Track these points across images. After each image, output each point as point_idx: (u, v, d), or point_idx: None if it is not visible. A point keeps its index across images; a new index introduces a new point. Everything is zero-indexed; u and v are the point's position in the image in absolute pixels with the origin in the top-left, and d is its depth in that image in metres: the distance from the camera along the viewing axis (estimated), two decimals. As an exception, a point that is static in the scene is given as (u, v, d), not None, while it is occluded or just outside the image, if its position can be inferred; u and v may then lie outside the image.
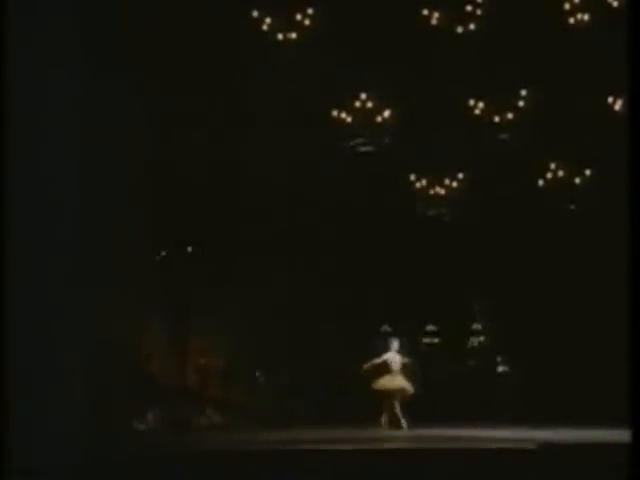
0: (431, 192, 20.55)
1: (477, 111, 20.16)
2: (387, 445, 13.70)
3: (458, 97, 20.02)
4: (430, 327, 21.52)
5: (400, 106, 19.78)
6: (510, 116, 20.03)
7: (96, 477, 10.16)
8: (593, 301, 19.54)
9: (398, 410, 17.38)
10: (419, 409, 18.77)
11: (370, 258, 20.63)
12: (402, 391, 17.48)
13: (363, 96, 19.80)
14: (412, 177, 20.63)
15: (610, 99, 19.81)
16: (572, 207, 20.30)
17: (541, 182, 20.44)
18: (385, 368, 17.68)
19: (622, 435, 14.50)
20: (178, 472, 10.69)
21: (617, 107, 19.77)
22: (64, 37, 11.78)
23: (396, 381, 17.55)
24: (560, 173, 20.35)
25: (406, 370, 17.64)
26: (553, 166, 20.40)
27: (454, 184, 20.53)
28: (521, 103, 20.03)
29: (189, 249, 20.22)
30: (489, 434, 15.87)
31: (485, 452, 12.16)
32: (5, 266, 9.89)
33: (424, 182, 20.57)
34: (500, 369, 19.41)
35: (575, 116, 19.59)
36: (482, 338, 21.60)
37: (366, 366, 17.52)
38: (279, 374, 20.52)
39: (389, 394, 17.52)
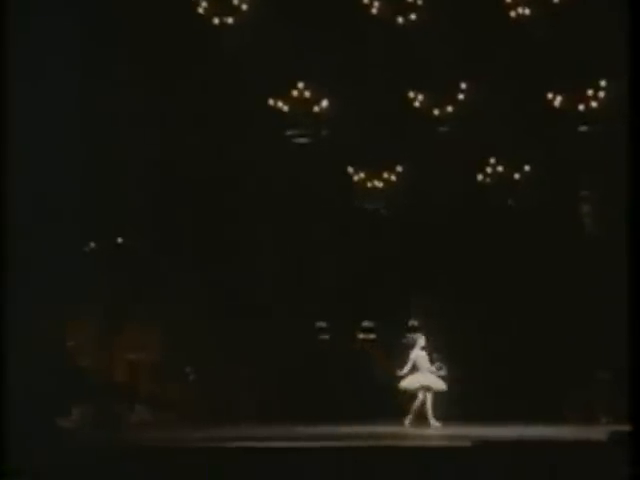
0: (369, 185, 20.75)
1: (417, 103, 20.48)
2: (304, 444, 13.51)
3: (397, 89, 20.31)
4: (366, 323, 21.71)
5: (339, 96, 19.99)
6: (450, 109, 20.37)
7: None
8: (530, 295, 19.95)
9: (428, 408, 17.25)
10: (354, 407, 19.37)
11: (306, 252, 20.73)
12: (427, 389, 17.33)
13: (301, 85, 19.98)
14: (350, 170, 20.79)
15: (550, 95, 20.27)
16: (511, 202, 20.72)
17: (480, 177, 20.81)
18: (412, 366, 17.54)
19: (558, 432, 15.75)
20: (101, 472, 10.70)
21: (557, 103, 20.28)
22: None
23: (420, 380, 17.39)
24: (499, 168, 20.75)
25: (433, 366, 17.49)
26: (493, 161, 20.81)
27: (392, 177, 20.74)
28: (461, 96, 20.41)
29: (119, 240, 20.21)
30: (423, 432, 16.31)
31: (417, 450, 12.51)
32: None
33: (362, 175, 20.76)
34: (437, 366, 19.31)
35: (515, 111, 19.99)
36: (419, 335, 21.43)
37: (402, 374, 17.38)
38: (211, 370, 20.59)
39: (414, 394, 17.42)
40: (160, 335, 20.62)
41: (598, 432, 13.40)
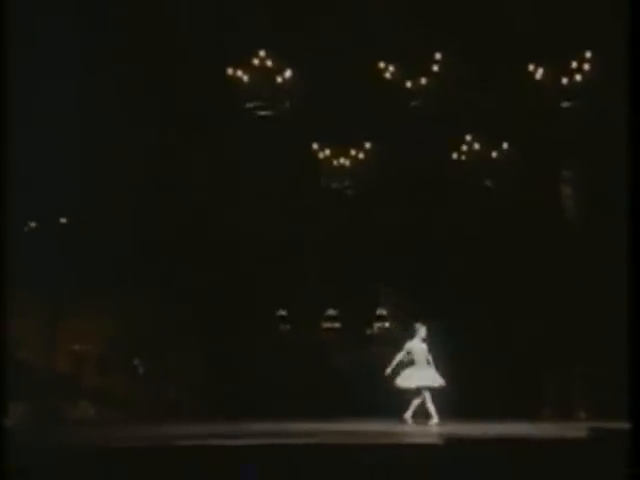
0: (335, 163, 20.65)
1: (387, 75, 20.31)
2: (266, 440, 13.34)
3: (367, 59, 20.09)
4: (331, 311, 21.65)
5: (303, 66, 19.78)
6: (423, 81, 20.22)
7: None
8: (506, 281, 19.90)
9: (429, 404, 16.71)
10: (316, 402, 19.16)
11: (266, 234, 20.54)
12: (424, 386, 16.71)
13: (262, 53, 19.75)
14: (315, 146, 20.62)
15: (531, 67, 20.08)
16: (488, 183, 20.62)
17: (455, 155, 20.67)
18: (409, 359, 16.89)
19: (530, 429, 15.56)
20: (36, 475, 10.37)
21: (538, 76, 20.10)
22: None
23: (417, 376, 16.72)
24: (476, 146, 20.62)
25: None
26: (469, 138, 20.66)
27: (360, 155, 20.63)
28: (435, 68, 20.20)
29: (62, 220, 19.90)
30: (395, 429, 16.03)
31: (387, 448, 12.26)
32: None
33: (328, 152, 20.61)
34: (403, 359, 19.07)
35: (494, 84, 19.85)
36: (387, 324, 21.83)
37: (388, 371, 16.89)
38: (160, 363, 20.42)
39: (411, 391, 16.84)
40: (107, 325, 20.28)
41: (578, 429, 13.48)
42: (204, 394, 19.96)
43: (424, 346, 16.88)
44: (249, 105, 19.94)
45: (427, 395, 16.82)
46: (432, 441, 13.47)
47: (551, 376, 19.96)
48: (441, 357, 16.89)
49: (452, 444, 11.90)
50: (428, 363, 16.76)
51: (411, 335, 16.93)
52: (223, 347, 20.15)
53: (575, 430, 13.82)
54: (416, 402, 16.81)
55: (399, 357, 16.81)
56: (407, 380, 16.83)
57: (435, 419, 16.70)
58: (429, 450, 11.90)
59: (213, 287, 20.22)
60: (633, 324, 9.49)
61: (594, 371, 19.16)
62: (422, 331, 16.91)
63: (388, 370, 16.83)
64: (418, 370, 16.84)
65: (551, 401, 19.74)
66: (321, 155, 20.66)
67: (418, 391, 16.84)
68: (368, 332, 21.75)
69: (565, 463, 10.24)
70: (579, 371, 19.72)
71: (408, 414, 16.83)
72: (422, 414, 16.87)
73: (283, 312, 21.37)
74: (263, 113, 19.97)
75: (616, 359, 18.16)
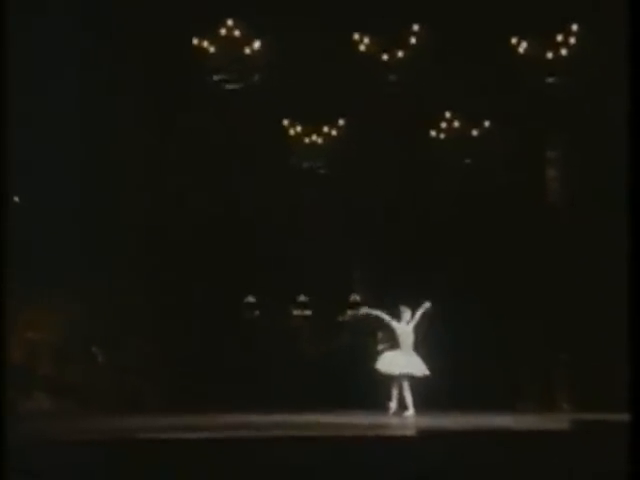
0: (307, 141, 20.54)
1: (362, 47, 20.18)
2: (232, 433, 13.48)
3: (341, 30, 19.95)
4: (301, 297, 21.65)
5: (273, 37, 19.66)
6: (400, 54, 20.12)
7: None
8: (485, 265, 19.89)
9: (407, 394, 16.69)
10: (285, 393, 18.93)
11: (232, 215, 20.44)
12: (407, 374, 16.71)
13: (230, 23, 19.61)
14: (285, 122, 20.52)
15: (514, 40, 20.00)
16: (468, 162, 20.57)
17: (433, 132, 20.61)
18: (394, 343, 16.97)
19: (506, 421, 15.78)
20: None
21: (522, 49, 20.01)
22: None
23: (401, 361, 16.69)
24: (456, 123, 20.57)
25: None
26: (448, 115, 20.60)
27: (333, 132, 20.56)
28: (413, 40, 20.12)
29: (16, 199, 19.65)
30: (366, 421, 16.07)
31: (360, 440, 12.50)
32: None
33: (299, 129, 20.52)
34: (381, 347, 18.81)
35: (474, 57, 19.69)
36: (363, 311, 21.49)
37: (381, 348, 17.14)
38: (121, 352, 20.23)
39: (393, 377, 16.83)
40: (64, 311, 20.09)
41: (560, 420, 13.67)
42: (168, 384, 19.75)
43: (409, 330, 16.80)
44: (215, 78, 19.77)
45: (406, 384, 16.70)
46: (404, 433, 13.76)
47: (535, 366, 20.05)
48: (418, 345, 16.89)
49: (425, 437, 12.28)
50: (414, 349, 16.69)
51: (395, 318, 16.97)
52: (188, 335, 20.01)
53: (557, 422, 14.03)
54: (396, 391, 16.76)
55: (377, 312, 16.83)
56: (390, 365, 16.77)
57: (410, 410, 16.61)
58: (400, 443, 12.16)
59: (177, 272, 20.05)
60: (633, 327, 8.99)
61: (578, 361, 19.27)
62: (407, 314, 16.83)
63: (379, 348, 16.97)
64: (403, 356, 16.76)
65: (534, 392, 19.82)
66: (292, 132, 20.55)
67: (397, 378, 16.75)
68: (341, 319, 21.81)
69: (545, 456, 10.37)
70: (563, 361, 19.78)
71: (393, 404, 16.77)
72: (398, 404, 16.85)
73: (251, 298, 21.31)
74: (230, 86, 19.79)
75: (601, 348, 18.58)
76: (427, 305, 17.05)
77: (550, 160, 20.78)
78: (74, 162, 19.28)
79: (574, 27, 19.75)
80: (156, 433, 12.95)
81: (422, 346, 16.99)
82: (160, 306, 20.08)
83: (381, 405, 17.42)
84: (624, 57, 9.95)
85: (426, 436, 12.49)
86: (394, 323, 16.97)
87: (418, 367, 16.71)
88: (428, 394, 17.04)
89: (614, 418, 13.51)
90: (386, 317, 17.00)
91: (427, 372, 16.67)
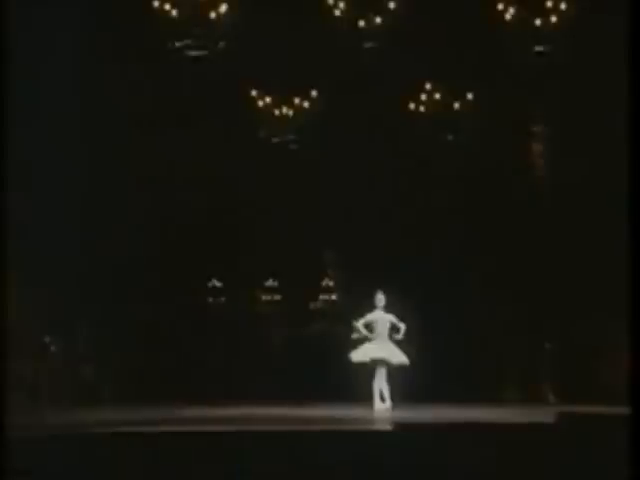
0: (277, 113, 20.57)
1: (337, 12, 20.11)
2: (195, 427, 13.41)
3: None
4: (270, 282, 21.70)
5: (241, 0, 19.49)
6: (378, 21, 20.04)
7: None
8: (468, 247, 20.06)
9: (384, 384, 16.54)
10: (252, 385, 19.29)
11: (196, 196, 20.44)
12: (382, 362, 16.53)
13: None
14: (254, 93, 20.55)
15: (500, 5, 19.99)
16: (450, 137, 20.68)
17: (412, 105, 20.66)
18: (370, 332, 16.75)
19: (489, 413, 15.91)
20: None
21: (508, 16, 19.98)
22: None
23: (375, 348, 16.53)
24: (436, 95, 20.63)
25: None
26: (428, 86, 20.67)
27: (305, 104, 20.55)
28: (392, 5, 20.07)
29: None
30: (342, 413, 16.13)
31: (334, 434, 12.32)
32: None
33: (268, 100, 20.53)
34: (355, 336, 18.11)
35: (458, 24, 19.74)
36: (334, 296, 21.97)
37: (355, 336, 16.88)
38: (76, 341, 20.26)
39: (370, 367, 16.64)
40: (11, 293, 19.92)
41: (546, 413, 13.71)
42: (126, 376, 19.74)
43: (387, 317, 16.70)
44: (178, 44, 19.64)
45: (383, 373, 16.68)
46: (379, 427, 13.58)
47: (520, 356, 20.23)
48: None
49: (400, 431, 12.09)
50: (390, 338, 16.59)
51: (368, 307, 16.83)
52: (148, 323, 20.03)
53: (542, 415, 14.04)
54: (376, 386, 16.68)
55: (361, 329, 16.74)
56: (363, 354, 16.69)
57: (387, 403, 16.61)
58: (373, 437, 12.01)
59: (135, 255, 19.97)
60: (633, 323, 9.49)
61: (564, 350, 19.46)
62: (382, 299, 16.74)
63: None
64: (378, 343, 16.66)
65: (519, 383, 20.03)
66: (261, 103, 20.58)
67: (373, 367, 16.67)
68: (312, 306, 21.85)
69: (527, 451, 10.29)
70: (548, 350, 19.97)
71: (376, 402, 16.67)
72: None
73: (217, 283, 21.39)
74: (194, 53, 19.70)
75: (588, 338, 18.81)
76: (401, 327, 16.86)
77: (537, 134, 20.95)
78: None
79: (564, -8, 19.77)
80: (111, 427, 12.89)
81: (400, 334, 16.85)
82: (117, 292, 19.98)
83: (356, 397, 17.36)
84: (622, 46, 10.36)
85: (402, 430, 12.30)
86: (368, 316, 16.86)
87: (395, 355, 16.63)
88: (407, 385, 16.93)
89: (602, 411, 13.82)
90: (363, 330, 16.85)
91: (405, 361, 16.62)
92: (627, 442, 8.73)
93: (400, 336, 16.42)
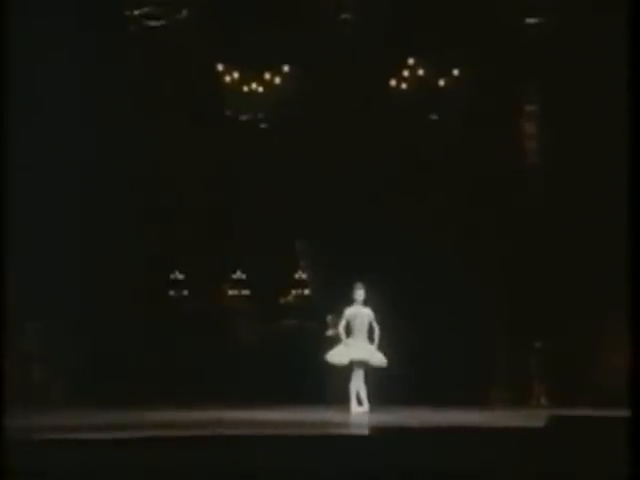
0: (245, 89, 20.56)
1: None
2: (159, 432, 13.45)
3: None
4: (238, 275, 21.70)
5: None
6: (355, -11, 20.13)
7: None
8: (453, 240, 20.09)
9: (361, 386, 16.61)
10: (217, 386, 19.20)
11: (156, 179, 20.33)
12: (361, 364, 16.61)
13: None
14: (219, 67, 20.51)
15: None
16: (433, 115, 20.70)
17: (394, 82, 20.69)
18: (347, 329, 16.78)
19: (475, 417, 16.11)
20: None
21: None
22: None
23: (352, 348, 16.58)
24: (420, 71, 20.65)
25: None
26: (411, 61, 20.67)
27: (277, 80, 20.56)
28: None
29: None
30: (316, 417, 16.20)
31: (306, 439, 12.54)
32: None
33: (236, 75, 20.49)
34: (330, 332, 18.85)
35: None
36: (307, 291, 21.96)
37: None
38: (26, 337, 19.95)
39: (347, 367, 16.71)
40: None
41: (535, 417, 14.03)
42: (77, 377, 19.59)
43: (366, 312, 16.71)
44: (135, 12, 19.73)
45: (360, 375, 16.69)
46: (354, 432, 13.77)
47: (509, 356, 20.30)
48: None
49: (378, 436, 12.58)
50: (370, 337, 16.64)
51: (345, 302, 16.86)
52: (102, 319, 19.87)
53: (532, 418, 14.26)
54: (353, 388, 16.73)
55: (340, 329, 16.76)
56: (339, 354, 16.74)
57: (365, 406, 16.64)
58: (348, 443, 12.10)
59: (89, 245, 19.80)
60: (633, 324, 9.84)
61: (555, 350, 19.52)
62: (360, 294, 16.75)
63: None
64: (356, 342, 16.69)
65: (508, 385, 20.11)
66: (227, 79, 20.53)
67: (349, 369, 16.69)
68: (283, 301, 21.94)
69: (515, 458, 10.41)
70: (539, 350, 20.06)
71: (353, 405, 16.71)
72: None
73: (179, 275, 21.42)
74: (153, 23, 19.80)
75: (580, 336, 18.90)
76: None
77: (528, 115, 20.93)
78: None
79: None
80: (61, 433, 12.99)
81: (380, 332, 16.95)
82: (71, 285, 19.58)
83: (331, 400, 17.57)
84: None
85: (380, 435, 12.71)
86: (346, 312, 16.83)
87: (374, 355, 16.67)
88: (387, 387, 17.10)
89: (595, 414, 13.97)
90: (342, 333, 16.84)
91: (384, 361, 16.69)
92: (627, 442, 8.89)
93: (375, 340, 16.53)
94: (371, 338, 16.65)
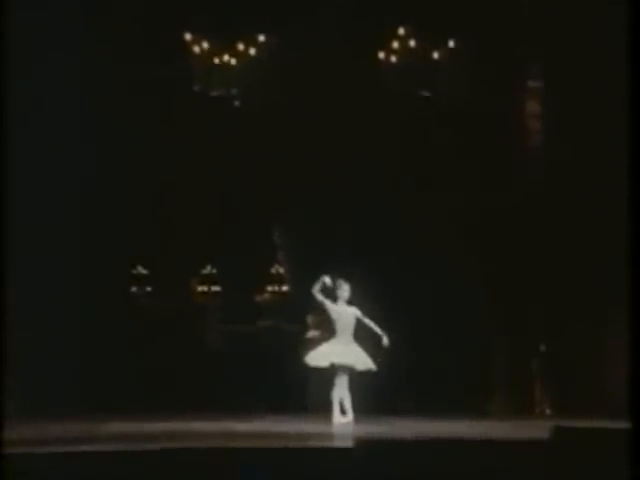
0: (217, 61, 20.32)
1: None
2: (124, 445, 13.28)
3: None
4: (207, 269, 21.78)
5: None
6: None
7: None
8: (442, 224, 20.02)
9: (345, 395, 16.44)
10: (185, 393, 19.28)
11: (118, 161, 20.02)
12: (345, 369, 16.43)
13: None
14: (187, 37, 20.26)
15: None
16: (425, 91, 20.59)
17: (382, 54, 20.50)
18: (328, 329, 16.75)
19: (472, 428, 16.32)
20: None
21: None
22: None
23: (336, 351, 16.43)
24: (411, 43, 20.48)
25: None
26: (402, 32, 20.50)
27: (251, 50, 20.34)
28: None
29: None
30: (295, 428, 16.09)
31: (283, 452, 12.45)
32: None
33: (205, 45, 20.27)
34: (310, 334, 18.90)
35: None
36: (285, 287, 21.96)
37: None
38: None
39: (329, 372, 16.56)
40: None
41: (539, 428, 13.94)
42: (34, 386, 19.06)
43: (352, 310, 16.51)
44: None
45: (345, 381, 16.46)
46: (336, 445, 13.66)
47: (510, 361, 20.30)
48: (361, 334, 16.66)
49: (362, 449, 12.15)
50: (355, 337, 16.47)
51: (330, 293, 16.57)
52: (57, 319, 19.37)
53: (535, 429, 14.32)
54: (336, 395, 16.50)
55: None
56: (320, 356, 16.54)
57: (349, 416, 16.46)
58: (329, 457, 12.08)
59: (42, 240, 19.35)
60: (633, 327, 10.16)
61: (561, 355, 19.57)
62: (346, 290, 16.54)
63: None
64: (340, 344, 16.51)
65: (509, 393, 20.12)
66: (197, 50, 20.26)
67: (333, 374, 16.48)
68: (258, 298, 21.91)
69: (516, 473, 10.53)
70: (543, 354, 20.08)
71: (336, 415, 16.50)
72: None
73: (142, 270, 21.37)
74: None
75: (587, 341, 18.75)
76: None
77: (532, 92, 20.84)
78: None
79: None
80: (17, 447, 12.57)
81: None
82: (22, 282, 18.76)
83: (312, 408, 17.75)
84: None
85: (366, 447, 12.41)
86: (328, 304, 16.60)
87: (360, 359, 16.47)
88: (376, 395, 17.25)
89: (603, 425, 14.02)
90: (327, 304, 16.61)
91: (372, 366, 16.46)
92: (627, 441, 9.24)
93: (377, 331, 16.39)
94: (358, 338, 16.41)
